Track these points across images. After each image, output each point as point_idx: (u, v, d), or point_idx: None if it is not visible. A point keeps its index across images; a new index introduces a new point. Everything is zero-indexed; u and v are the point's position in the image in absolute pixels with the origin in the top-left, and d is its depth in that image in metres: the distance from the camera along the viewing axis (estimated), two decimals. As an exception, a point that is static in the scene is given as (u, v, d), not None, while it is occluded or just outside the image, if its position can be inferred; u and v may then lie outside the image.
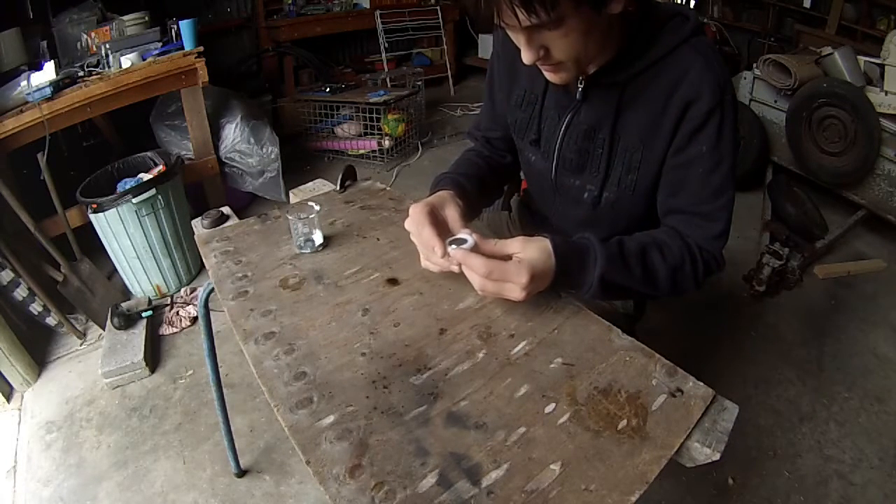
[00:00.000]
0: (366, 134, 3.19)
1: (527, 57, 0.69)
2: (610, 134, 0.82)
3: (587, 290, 0.72)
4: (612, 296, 0.79)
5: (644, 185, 0.83)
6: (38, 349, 1.79)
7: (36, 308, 1.82)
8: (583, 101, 0.83)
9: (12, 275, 1.76)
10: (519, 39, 0.69)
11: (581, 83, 0.81)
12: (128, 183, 1.95)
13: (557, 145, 0.88)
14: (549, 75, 0.76)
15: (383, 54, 4.08)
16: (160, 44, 2.13)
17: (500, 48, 0.94)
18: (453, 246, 0.70)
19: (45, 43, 2.09)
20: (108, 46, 1.99)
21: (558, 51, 0.69)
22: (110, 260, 2.03)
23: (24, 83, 1.83)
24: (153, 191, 1.88)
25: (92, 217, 1.87)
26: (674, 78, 0.74)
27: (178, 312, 1.94)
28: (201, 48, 2.13)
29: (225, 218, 1.08)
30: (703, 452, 0.57)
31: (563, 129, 0.87)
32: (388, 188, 1.17)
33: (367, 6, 3.99)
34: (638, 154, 0.80)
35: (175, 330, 1.88)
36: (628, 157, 0.82)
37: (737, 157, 0.79)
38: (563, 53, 0.69)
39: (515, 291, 0.66)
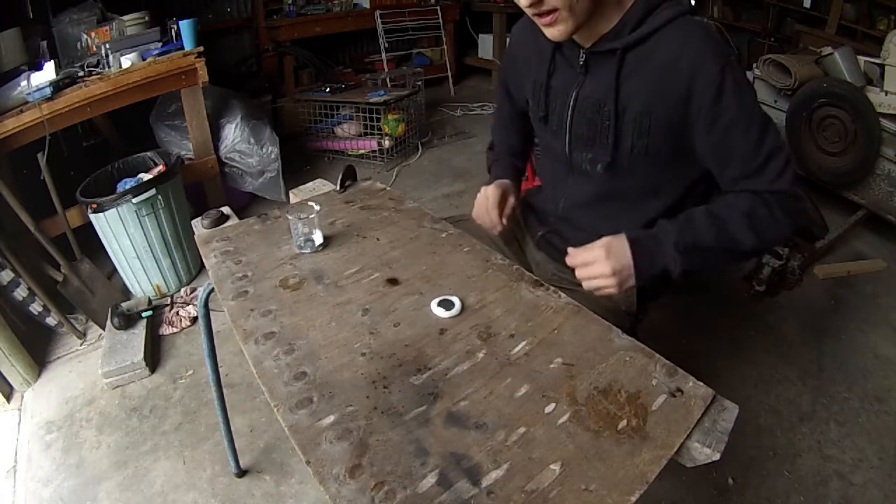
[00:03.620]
0: (366, 134, 3.19)
1: (523, 0, 0.74)
2: (614, 104, 0.84)
3: (672, 254, 0.78)
4: (702, 261, 0.81)
5: (656, 147, 0.85)
6: (38, 349, 1.79)
7: (36, 308, 1.82)
8: (586, 74, 0.87)
9: (12, 275, 1.76)
10: None
11: (582, 57, 0.86)
12: (128, 183, 1.95)
13: (568, 122, 0.91)
14: (547, 31, 0.79)
15: (383, 54, 4.08)
16: (160, 44, 2.13)
17: (515, 46, 1.04)
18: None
19: (45, 43, 2.08)
20: (108, 46, 1.99)
21: None
22: (110, 260, 2.03)
23: (24, 83, 1.83)
24: (153, 191, 1.88)
25: (92, 217, 1.87)
26: (675, 47, 0.78)
27: (178, 312, 1.94)
28: (201, 48, 2.13)
29: (225, 218, 1.08)
30: (703, 452, 0.57)
31: (571, 104, 0.90)
32: (388, 188, 1.17)
33: (367, 6, 3.99)
34: (647, 119, 0.83)
35: (175, 330, 1.88)
36: (637, 124, 0.84)
37: (758, 106, 0.81)
38: None
39: (601, 266, 0.77)
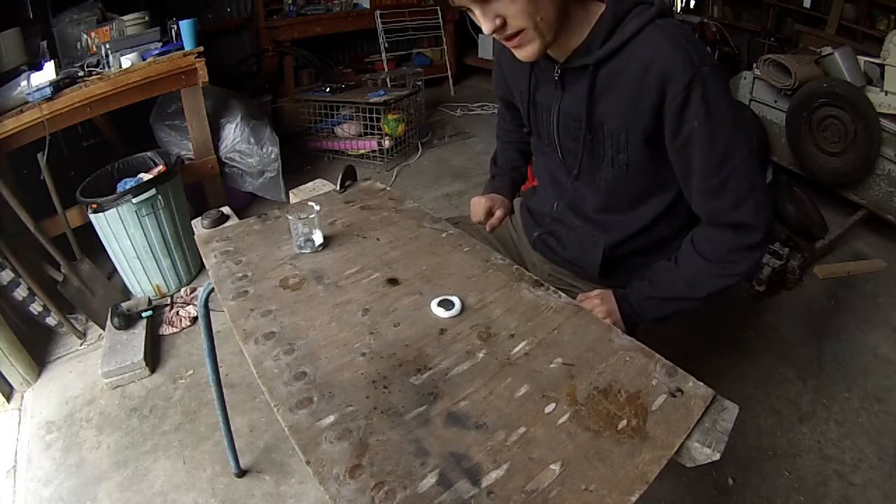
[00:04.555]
0: (366, 134, 3.19)
1: (486, 27, 0.73)
2: (587, 118, 0.85)
3: (645, 308, 0.89)
4: (667, 305, 0.89)
5: (636, 164, 0.86)
6: (38, 349, 1.79)
7: (36, 308, 1.82)
8: (563, 89, 0.87)
9: (12, 275, 1.76)
10: (475, 11, 0.73)
11: (557, 72, 0.85)
12: (128, 183, 1.95)
13: (556, 136, 0.93)
14: (516, 52, 0.78)
15: (383, 54, 4.08)
16: (160, 44, 2.13)
17: (500, 58, 1.04)
18: None
19: (45, 43, 2.08)
20: (108, 46, 1.99)
21: (513, 17, 0.72)
22: (110, 260, 2.03)
23: (24, 83, 1.83)
24: (153, 191, 1.88)
25: (92, 217, 1.87)
26: (645, 59, 0.76)
27: (178, 312, 1.94)
28: (201, 48, 2.13)
29: (225, 218, 1.08)
30: (703, 452, 0.57)
31: (554, 120, 0.91)
32: (388, 188, 1.17)
33: (367, 6, 3.99)
34: (623, 135, 0.83)
35: (175, 330, 1.88)
36: (615, 139, 0.84)
37: (742, 126, 0.79)
38: (518, 19, 0.72)
39: (598, 311, 0.87)
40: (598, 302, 0.89)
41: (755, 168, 0.80)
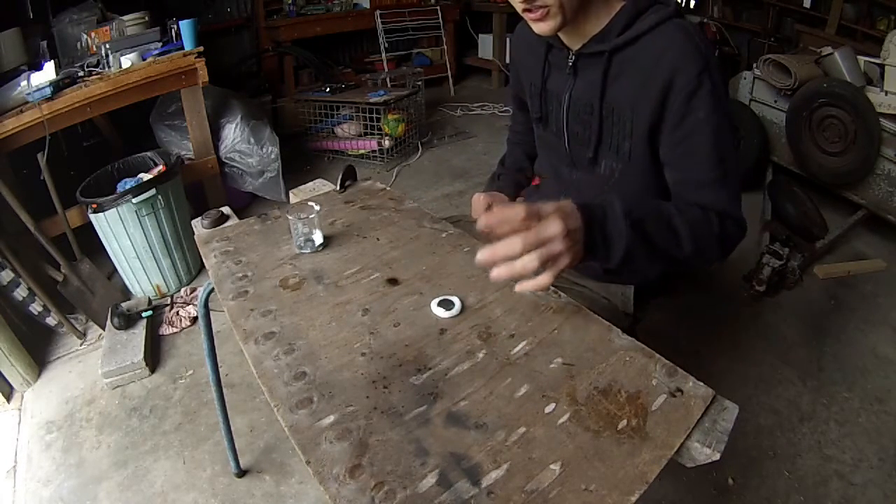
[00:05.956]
0: (366, 134, 3.19)
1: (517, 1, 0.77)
2: (599, 103, 0.87)
3: (621, 224, 0.67)
4: (643, 249, 0.71)
5: (638, 152, 0.87)
6: (38, 349, 1.79)
7: (36, 308, 1.82)
8: (575, 76, 0.90)
9: (12, 275, 1.76)
10: None
11: (571, 59, 0.88)
12: (128, 183, 1.95)
13: (565, 123, 0.95)
14: (535, 26, 0.81)
15: (383, 54, 4.09)
16: (160, 44, 2.14)
17: (514, 54, 1.08)
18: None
19: (45, 43, 2.09)
20: (108, 46, 1.99)
21: None
22: (110, 260, 2.03)
23: (24, 83, 1.83)
24: (153, 191, 1.88)
25: (92, 217, 1.87)
26: (659, 49, 0.79)
27: (178, 312, 1.94)
28: (201, 48, 2.13)
29: (225, 218, 1.08)
30: (703, 452, 0.57)
31: (566, 106, 0.93)
32: (388, 188, 1.17)
33: (367, 6, 3.99)
34: (630, 122, 0.85)
35: (175, 330, 1.88)
36: (622, 124, 0.86)
37: (732, 124, 0.82)
38: None
39: (555, 227, 0.61)
40: (558, 229, 0.62)
41: (738, 170, 0.84)
